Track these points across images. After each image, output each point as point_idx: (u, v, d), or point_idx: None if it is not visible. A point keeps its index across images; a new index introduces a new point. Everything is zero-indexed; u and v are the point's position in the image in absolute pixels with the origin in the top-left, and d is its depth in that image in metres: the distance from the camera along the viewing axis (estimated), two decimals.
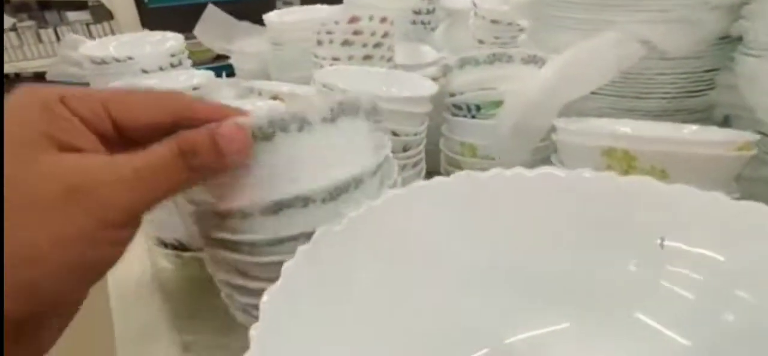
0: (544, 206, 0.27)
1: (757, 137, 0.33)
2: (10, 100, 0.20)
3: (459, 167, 0.51)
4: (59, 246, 0.19)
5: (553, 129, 0.42)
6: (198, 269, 0.40)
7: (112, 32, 2.32)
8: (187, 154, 0.22)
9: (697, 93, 0.49)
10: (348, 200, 0.27)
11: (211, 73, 0.63)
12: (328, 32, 0.63)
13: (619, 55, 0.41)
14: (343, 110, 0.25)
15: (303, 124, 0.24)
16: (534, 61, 0.47)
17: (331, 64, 0.65)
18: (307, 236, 0.26)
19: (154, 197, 0.21)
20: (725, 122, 0.48)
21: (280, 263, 0.25)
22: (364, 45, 0.63)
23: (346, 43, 0.63)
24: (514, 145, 0.45)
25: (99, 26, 2.50)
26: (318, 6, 0.91)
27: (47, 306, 0.20)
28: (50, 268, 0.19)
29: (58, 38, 2.40)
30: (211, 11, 0.84)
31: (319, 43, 0.65)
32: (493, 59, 0.47)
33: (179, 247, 0.39)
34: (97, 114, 0.21)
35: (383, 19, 0.64)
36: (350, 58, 0.63)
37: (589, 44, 0.42)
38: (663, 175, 0.33)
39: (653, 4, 0.46)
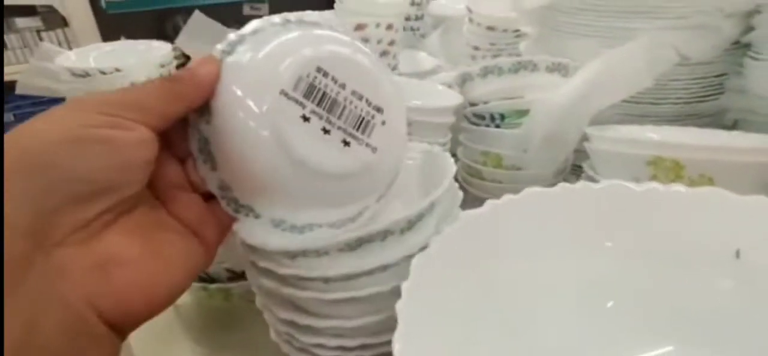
0: (645, 222, 0.26)
1: None
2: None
3: (481, 177, 0.50)
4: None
5: (585, 137, 0.41)
6: (223, 300, 0.37)
7: (67, 40, 2.18)
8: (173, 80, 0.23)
9: (708, 98, 0.50)
10: (422, 226, 0.25)
11: None
12: None
13: (650, 61, 0.41)
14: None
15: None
16: (558, 69, 0.46)
17: None
18: (383, 268, 0.24)
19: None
20: (734, 126, 0.50)
21: (352, 300, 0.23)
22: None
23: None
24: (544, 155, 0.44)
25: (52, 33, 2.35)
26: (309, 12, 0.88)
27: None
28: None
29: (3, 46, 2.23)
30: (197, 18, 0.80)
31: None
32: (518, 67, 0.46)
33: (205, 279, 0.36)
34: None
35: (389, 26, 0.62)
36: None
37: (619, 51, 0.42)
38: (710, 183, 0.33)
39: (671, 12, 0.47)
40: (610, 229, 0.28)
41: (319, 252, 0.23)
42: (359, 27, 0.60)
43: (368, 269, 0.23)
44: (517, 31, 0.80)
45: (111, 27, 2.25)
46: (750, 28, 0.46)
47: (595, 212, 0.28)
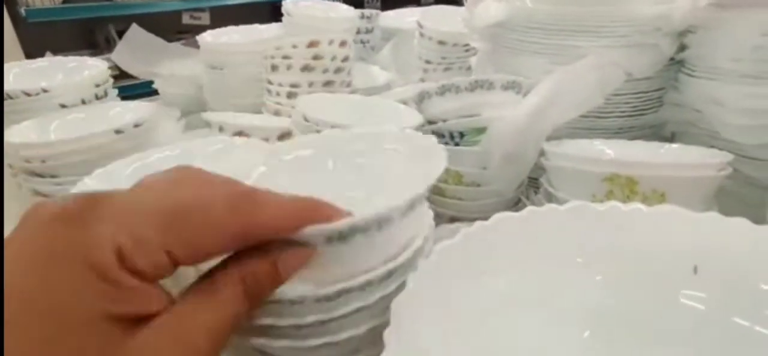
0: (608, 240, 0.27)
1: (731, 156, 0.36)
2: (53, 258, 0.16)
3: (443, 194, 0.50)
4: None
5: (543, 153, 0.42)
6: None
7: None
8: (250, 287, 0.20)
9: (648, 111, 0.53)
10: (407, 267, 0.24)
11: (151, 105, 0.55)
12: (285, 57, 0.59)
13: (600, 79, 0.43)
14: (417, 199, 0.23)
15: (383, 223, 0.21)
16: (513, 87, 0.47)
17: (288, 92, 0.61)
18: (359, 310, 0.23)
19: (223, 346, 0.19)
20: (673, 137, 0.53)
21: (327, 345, 0.22)
22: (325, 70, 0.60)
23: (306, 68, 0.59)
24: (504, 172, 0.45)
25: None
26: (255, 26, 0.86)
27: None
28: None
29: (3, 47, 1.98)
30: (135, 32, 0.74)
31: (274, 68, 0.61)
32: (475, 86, 0.47)
33: None
34: (159, 266, 0.18)
35: (343, 43, 0.61)
36: (310, 84, 0.60)
37: (570, 69, 0.44)
38: (662, 197, 0.35)
39: (614, 30, 0.49)
40: (579, 248, 0.28)
41: (294, 301, 0.21)
42: (312, 44, 0.59)
43: (345, 313, 0.22)
44: (466, 45, 0.82)
45: (33, 39, 2.06)
46: (684, 47, 0.50)
47: (563, 232, 0.28)
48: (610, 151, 0.43)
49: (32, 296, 0.16)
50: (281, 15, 0.80)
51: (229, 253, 0.20)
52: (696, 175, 0.34)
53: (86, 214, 0.17)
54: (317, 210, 0.20)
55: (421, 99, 0.50)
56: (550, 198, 0.42)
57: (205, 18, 2.54)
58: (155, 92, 0.85)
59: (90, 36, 2.45)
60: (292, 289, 0.21)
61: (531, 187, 0.48)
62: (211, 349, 0.18)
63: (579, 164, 0.37)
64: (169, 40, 0.89)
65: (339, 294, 0.21)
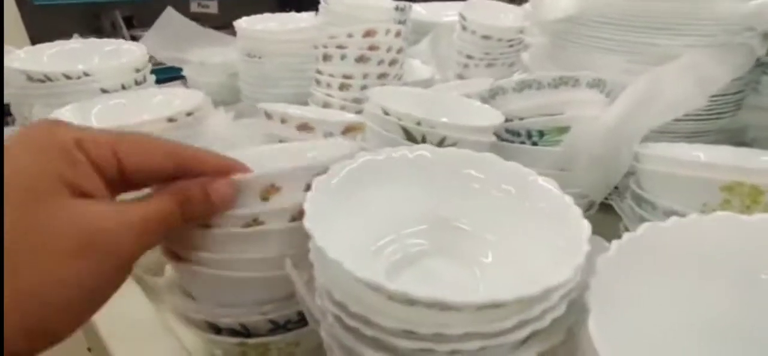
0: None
1: None
2: (28, 138, 0.22)
3: None
4: (68, 289, 0.20)
5: (637, 158, 0.40)
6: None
7: None
8: (184, 204, 0.25)
9: (726, 114, 0.51)
10: None
11: (198, 93, 0.52)
12: (340, 47, 0.56)
13: (700, 80, 0.40)
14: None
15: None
16: (598, 85, 0.44)
17: (341, 83, 0.57)
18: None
19: (154, 243, 0.24)
20: (753, 143, 0.50)
21: None
22: (380, 62, 0.57)
23: (361, 59, 0.56)
24: (591, 176, 0.42)
25: None
26: (291, 14, 0.82)
27: (46, 345, 0.20)
28: (57, 311, 0.20)
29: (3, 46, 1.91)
30: (170, 15, 0.71)
31: (326, 58, 0.58)
32: (559, 83, 0.44)
33: (242, 332, 0.29)
34: (108, 160, 0.23)
35: (398, 33, 0.58)
36: (365, 76, 0.57)
37: (666, 69, 0.41)
38: None
39: (700, 29, 0.46)
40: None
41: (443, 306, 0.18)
42: (369, 33, 0.55)
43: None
44: (511, 41, 0.79)
45: (38, 23, 2.00)
46: None
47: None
48: (715, 157, 0.40)
49: (14, 165, 0.20)
50: (287, 5, 0.76)
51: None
52: None
53: (58, 122, 0.23)
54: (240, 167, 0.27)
55: (493, 95, 0.47)
56: (641, 203, 0.39)
57: (213, 7, 2.49)
58: (181, 78, 0.81)
59: (95, 21, 2.39)
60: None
61: (612, 192, 0.45)
62: (142, 228, 0.22)
63: (692, 170, 0.34)
64: None
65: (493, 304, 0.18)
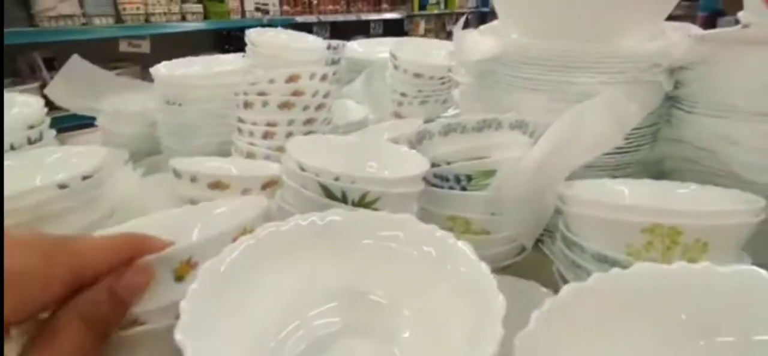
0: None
1: (763, 200, 0.35)
2: None
3: None
4: None
5: (564, 200, 0.39)
6: None
7: None
8: (91, 318, 0.22)
9: (644, 146, 0.53)
10: None
11: (100, 150, 0.47)
12: (261, 93, 0.53)
13: (616, 117, 0.41)
14: None
15: None
16: (521, 126, 0.44)
17: (264, 131, 0.54)
18: None
19: None
20: (671, 174, 0.52)
21: None
22: (306, 107, 0.55)
23: (285, 105, 0.53)
24: (518, 218, 0.41)
25: None
26: (216, 56, 0.78)
27: None
28: None
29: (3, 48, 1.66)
30: (75, 63, 0.65)
31: (248, 105, 0.55)
32: (482, 126, 0.43)
33: None
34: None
35: (324, 77, 0.56)
36: (290, 122, 0.54)
37: (583, 108, 0.42)
38: (705, 248, 0.33)
39: (613, 67, 0.48)
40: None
41: None
42: (292, 78, 0.53)
43: None
44: (443, 78, 0.80)
45: None
46: (677, 83, 0.49)
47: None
48: (637, 193, 0.41)
49: None
50: (226, 44, 0.74)
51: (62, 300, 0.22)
52: (739, 222, 0.32)
53: None
54: (141, 244, 0.24)
55: (420, 139, 0.46)
56: (571, 246, 0.39)
57: (145, 46, 2.38)
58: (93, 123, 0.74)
59: (11, 64, 2.21)
60: None
61: (543, 233, 0.45)
62: None
63: (614, 214, 0.34)
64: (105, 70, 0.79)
65: None
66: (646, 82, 0.48)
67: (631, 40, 0.49)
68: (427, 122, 0.82)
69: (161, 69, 0.69)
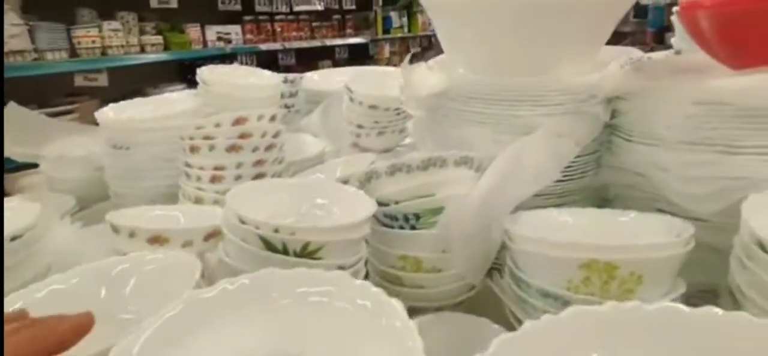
0: None
1: (692, 228, 0.36)
2: None
3: (401, 283, 0.45)
4: None
5: (509, 237, 0.40)
6: None
7: None
8: None
9: (588, 173, 0.54)
10: None
11: (34, 206, 0.44)
12: (207, 137, 0.52)
13: (553, 152, 0.42)
14: None
15: None
16: (466, 162, 0.45)
17: (212, 175, 0.53)
18: None
19: None
20: (614, 200, 0.54)
21: None
22: (255, 149, 0.54)
23: (232, 148, 0.52)
24: (466, 253, 0.41)
25: None
26: (166, 96, 0.77)
27: None
28: None
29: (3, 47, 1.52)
30: (12, 111, 0.62)
31: (194, 149, 0.53)
32: (427, 164, 0.44)
33: None
34: None
35: (273, 117, 0.56)
36: (238, 165, 0.53)
37: (523, 143, 0.43)
38: (639, 281, 0.34)
39: (551, 99, 0.49)
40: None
41: None
42: (239, 121, 0.52)
43: None
44: (398, 109, 0.80)
45: None
46: (614, 112, 0.51)
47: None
48: (580, 223, 0.41)
49: None
50: (188, 74, 0.73)
51: None
52: (670, 254, 0.33)
53: None
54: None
55: (368, 179, 0.46)
56: (518, 283, 0.39)
57: (102, 79, 2.31)
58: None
59: None
60: None
61: (494, 268, 0.45)
62: None
63: (552, 251, 0.35)
64: (60, 105, 0.76)
65: None
66: (584, 112, 0.50)
67: (570, 72, 0.51)
68: (386, 151, 0.83)
69: (108, 113, 0.66)
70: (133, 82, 2.37)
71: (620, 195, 0.52)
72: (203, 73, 0.73)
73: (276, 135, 0.56)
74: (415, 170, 0.44)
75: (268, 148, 0.55)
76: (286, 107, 0.96)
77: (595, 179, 0.54)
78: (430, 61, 0.63)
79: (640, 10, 3.45)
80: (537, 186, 0.42)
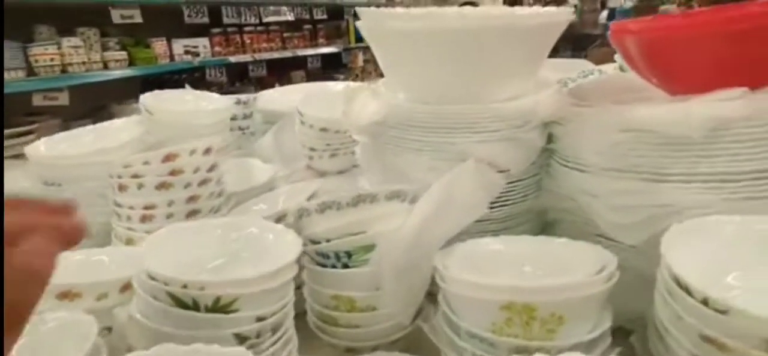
0: None
1: (616, 259, 0.36)
2: None
3: (336, 324, 0.43)
4: None
5: (440, 277, 0.38)
6: None
7: None
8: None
9: (529, 197, 0.54)
10: None
11: None
12: (136, 175, 0.50)
13: (481, 184, 0.41)
14: None
15: None
16: (398, 196, 0.44)
17: (142, 215, 0.51)
18: None
19: None
20: (554, 223, 0.53)
21: None
22: (187, 185, 0.52)
23: (162, 186, 0.50)
24: (400, 290, 0.40)
25: None
26: (111, 123, 0.73)
27: None
28: None
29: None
30: None
31: (122, 188, 0.51)
32: (358, 201, 0.42)
33: None
34: None
35: (207, 150, 0.54)
36: (170, 203, 0.51)
37: (452, 175, 0.42)
38: (560, 321, 0.33)
39: (486, 126, 0.49)
40: None
41: None
42: (169, 158, 0.50)
43: None
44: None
45: None
46: (551, 137, 0.51)
47: None
48: (512, 251, 0.41)
49: None
50: (155, 90, 0.70)
51: None
52: (591, 292, 0.33)
53: None
54: None
55: (300, 216, 0.44)
56: (449, 324, 0.38)
57: (63, 98, 2.23)
58: None
59: None
60: None
61: (430, 303, 0.44)
62: None
63: (475, 292, 0.34)
64: (19, 125, 0.72)
65: None
66: (519, 138, 0.49)
67: (508, 96, 0.50)
68: (340, 172, 0.82)
69: (40, 147, 0.63)
70: (96, 99, 2.30)
71: (559, 219, 0.52)
72: (146, 100, 0.71)
73: (211, 169, 0.54)
74: (345, 207, 0.42)
75: (202, 183, 0.53)
76: (240, 129, 0.94)
77: (536, 203, 0.54)
78: (374, 86, 0.62)
79: (610, 13, 3.55)
80: (468, 219, 0.41)
